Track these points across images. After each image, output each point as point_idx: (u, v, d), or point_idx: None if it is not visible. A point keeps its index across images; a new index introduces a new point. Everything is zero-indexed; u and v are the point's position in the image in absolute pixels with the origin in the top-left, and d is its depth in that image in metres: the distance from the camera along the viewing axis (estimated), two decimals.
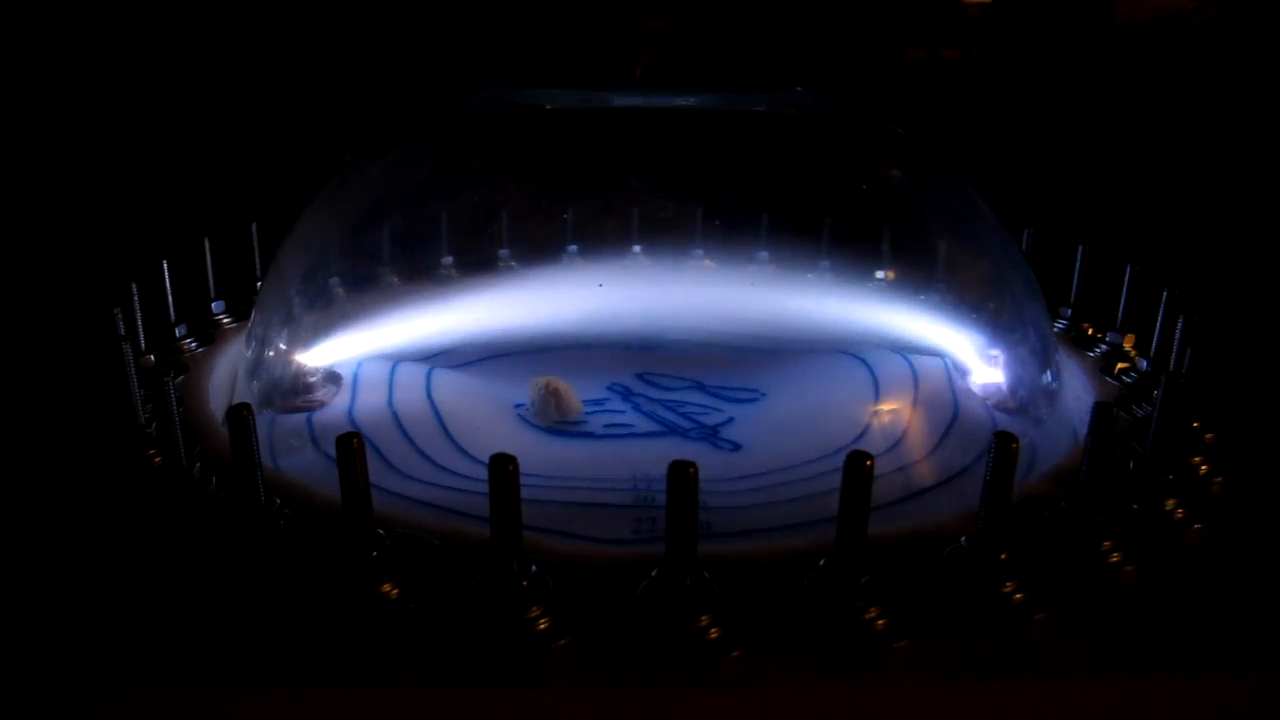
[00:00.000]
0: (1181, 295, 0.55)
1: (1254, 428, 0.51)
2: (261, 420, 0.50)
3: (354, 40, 1.39)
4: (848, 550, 0.33)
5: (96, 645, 0.33)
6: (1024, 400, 0.53)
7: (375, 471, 0.36)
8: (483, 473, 0.31)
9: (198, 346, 0.57)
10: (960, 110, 1.41)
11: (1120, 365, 0.56)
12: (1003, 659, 0.33)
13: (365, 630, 0.33)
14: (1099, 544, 0.38)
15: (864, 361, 0.57)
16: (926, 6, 1.47)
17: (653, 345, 0.63)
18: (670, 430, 0.54)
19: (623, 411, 0.56)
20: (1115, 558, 0.38)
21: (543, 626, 0.33)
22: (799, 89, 0.63)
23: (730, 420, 0.55)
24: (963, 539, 0.36)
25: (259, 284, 0.63)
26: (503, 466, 0.31)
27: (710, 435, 0.53)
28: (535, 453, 0.51)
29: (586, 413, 0.55)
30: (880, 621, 0.33)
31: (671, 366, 0.61)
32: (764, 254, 0.66)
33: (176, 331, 0.58)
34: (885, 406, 0.54)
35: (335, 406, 0.53)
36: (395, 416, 0.52)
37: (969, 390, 0.55)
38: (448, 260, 0.67)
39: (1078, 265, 0.63)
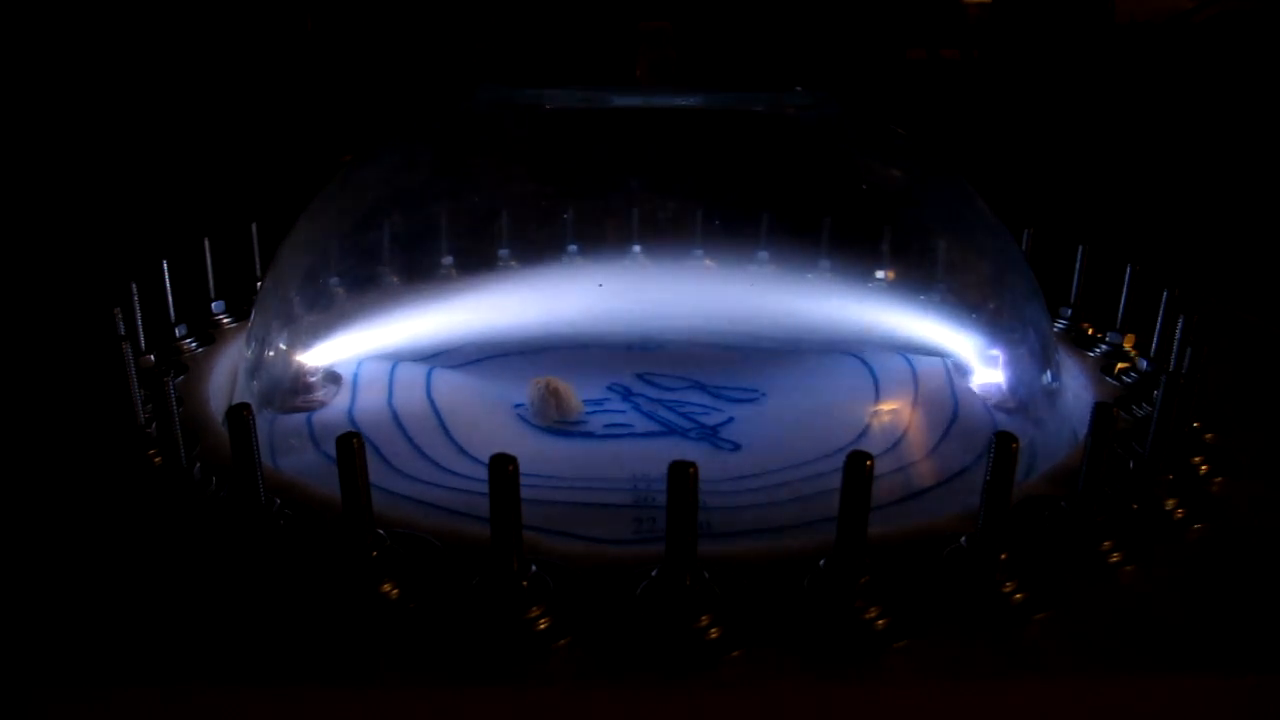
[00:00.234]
0: (1181, 295, 0.55)
1: (1254, 428, 0.51)
2: (261, 420, 0.50)
3: (354, 40, 1.39)
4: (848, 550, 0.33)
5: (96, 645, 0.33)
6: (1024, 400, 0.53)
7: (375, 471, 0.36)
8: (483, 473, 0.31)
9: (198, 346, 0.57)
10: (960, 110, 1.41)
11: (1120, 365, 0.56)
12: (1003, 659, 0.33)
13: (365, 630, 0.33)
14: (1099, 544, 0.38)
15: (864, 361, 0.57)
16: (926, 6, 1.47)
17: (653, 345, 0.63)
18: (670, 430, 0.54)
19: (623, 411, 0.56)
20: (1115, 558, 0.38)
21: (543, 626, 0.33)
22: (799, 89, 0.63)
23: (730, 420, 0.55)
24: (963, 539, 0.36)
25: (259, 284, 0.63)
26: (503, 466, 0.31)
27: (710, 435, 0.53)
28: (535, 453, 0.51)
29: (586, 413, 0.55)
30: (880, 621, 0.33)
31: (671, 366, 0.61)
32: (764, 254, 0.66)
33: (176, 331, 0.58)
34: (885, 406, 0.54)
35: (335, 406, 0.53)
36: (395, 416, 0.52)
37: (969, 390, 0.55)
38: (448, 260, 0.67)
39: (1078, 265, 0.63)
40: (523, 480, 0.31)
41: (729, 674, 0.31)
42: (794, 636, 0.33)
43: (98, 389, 0.49)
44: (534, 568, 0.34)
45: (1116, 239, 0.77)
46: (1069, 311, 0.63)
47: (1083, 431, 0.42)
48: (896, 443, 0.51)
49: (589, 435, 0.54)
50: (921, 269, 0.61)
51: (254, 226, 0.66)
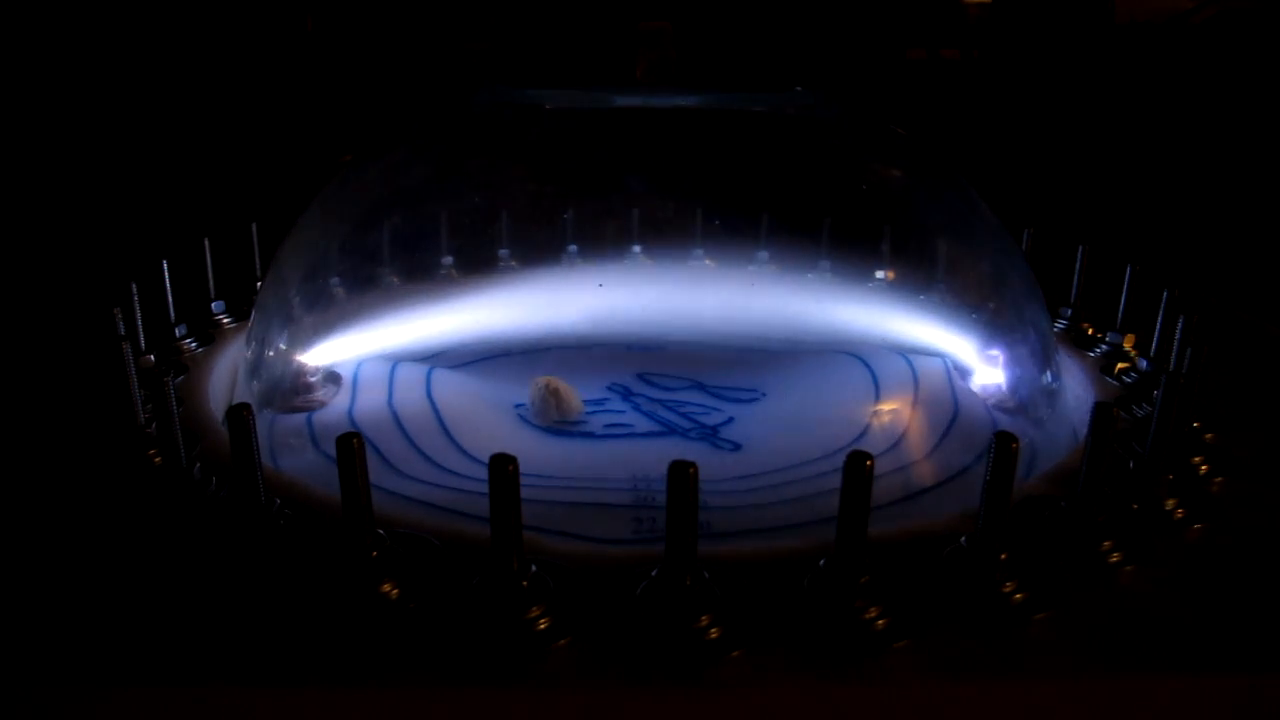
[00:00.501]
0: (1181, 295, 0.55)
1: (1254, 428, 0.51)
2: (261, 420, 0.50)
3: (354, 40, 1.39)
4: (848, 550, 0.33)
5: (96, 645, 0.33)
6: (1024, 400, 0.53)
7: (375, 471, 0.36)
8: (483, 473, 0.31)
9: (198, 346, 0.57)
10: (960, 110, 1.41)
11: (1120, 365, 0.56)
12: (1003, 659, 0.33)
13: (365, 630, 0.33)
14: (1099, 544, 0.38)
15: (864, 361, 0.57)
16: (926, 6, 1.47)
17: (653, 345, 0.63)
18: (670, 430, 0.54)
19: (623, 411, 0.56)
20: (1115, 558, 0.38)
21: (543, 626, 0.33)
22: (799, 89, 0.63)
23: (730, 420, 0.55)
24: (963, 539, 0.36)
25: (259, 284, 0.63)
26: (503, 466, 0.31)
27: (710, 435, 0.53)
28: (535, 453, 0.51)
29: (586, 413, 0.55)
30: (880, 621, 0.33)
31: (671, 366, 0.61)
32: (764, 254, 0.66)
33: (176, 331, 0.58)
34: (885, 406, 0.54)
35: (335, 406, 0.53)
36: (395, 416, 0.52)
37: (969, 390, 0.55)
38: (448, 260, 0.67)
39: (1078, 265, 0.63)
40: (523, 480, 0.31)
41: (729, 674, 0.31)
42: (794, 636, 0.33)
43: (98, 389, 0.49)
44: (534, 568, 0.34)
45: (1116, 239, 0.77)
46: (1069, 311, 0.63)
47: (1083, 431, 0.42)
48: (896, 443, 0.51)
49: (589, 435, 0.54)
50: (921, 269, 0.61)
51: (254, 226, 0.66)
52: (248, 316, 0.58)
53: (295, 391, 0.53)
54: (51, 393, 0.53)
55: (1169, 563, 0.38)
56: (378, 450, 0.48)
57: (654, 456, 0.48)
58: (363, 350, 0.57)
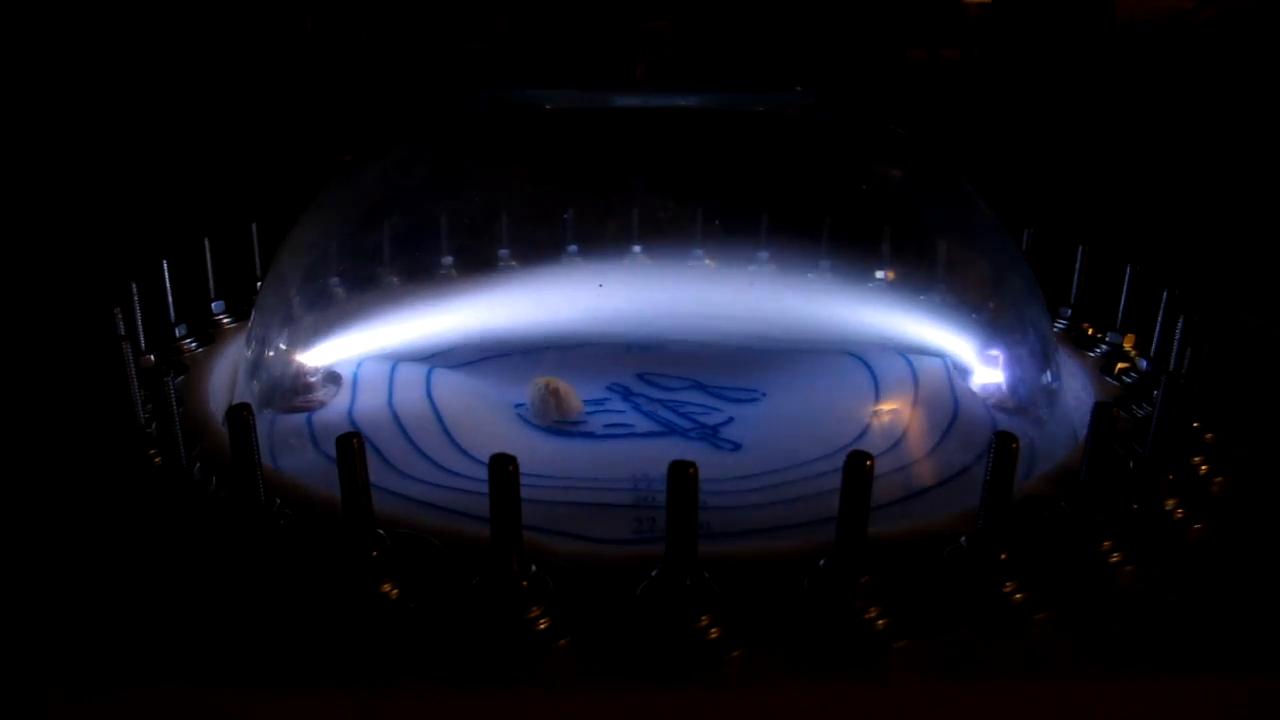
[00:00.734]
0: (1181, 295, 0.55)
1: (1254, 428, 0.51)
2: (261, 420, 0.50)
3: (354, 40, 1.39)
4: (848, 550, 0.33)
5: (96, 645, 0.33)
6: (1024, 400, 0.53)
7: (375, 471, 0.36)
8: (483, 473, 0.31)
9: (198, 346, 0.57)
10: (960, 110, 1.41)
11: (1120, 365, 0.56)
12: (1003, 659, 0.33)
13: (365, 630, 0.33)
14: (1099, 544, 0.38)
15: (864, 361, 0.57)
16: (926, 6, 1.47)
17: (653, 345, 0.63)
18: (670, 430, 0.54)
19: (623, 411, 0.56)
20: (1115, 558, 0.38)
21: (543, 626, 0.33)
22: (799, 89, 0.63)
23: (730, 420, 0.55)
24: (963, 539, 0.36)
25: (259, 284, 0.63)
26: (503, 466, 0.31)
27: (710, 435, 0.53)
28: (535, 453, 0.51)
29: (586, 413, 0.55)
30: (880, 621, 0.33)
31: (671, 366, 0.61)
32: (764, 254, 0.66)
33: (176, 331, 0.58)
34: (885, 406, 0.54)
35: (335, 406, 0.53)
36: (395, 416, 0.52)
37: (969, 390, 0.55)
38: (448, 260, 0.67)
39: (1078, 265, 0.63)
40: (523, 480, 0.31)
41: (729, 674, 0.31)
42: (794, 636, 0.33)
43: (98, 389, 0.49)
44: (534, 568, 0.34)
45: (1116, 239, 0.77)
46: (1069, 311, 0.63)
47: (1083, 431, 0.42)
48: (896, 443, 0.51)
49: (589, 435, 0.54)
50: (921, 269, 0.61)
51: (254, 226, 0.66)
52: (248, 316, 0.58)
53: (295, 391, 0.53)
54: (51, 393, 0.53)
55: (1169, 563, 0.38)
56: (378, 450, 0.48)
57: (654, 456, 0.48)
58: (363, 350, 0.57)
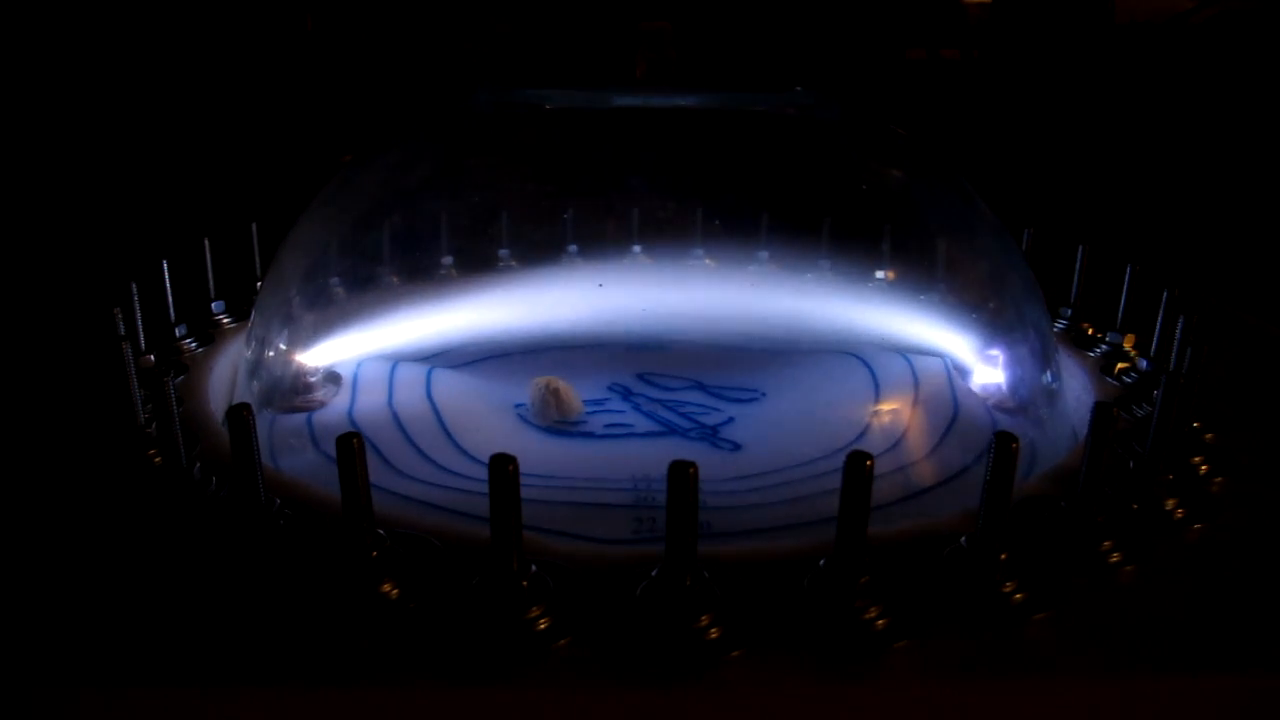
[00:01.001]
0: (1181, 295, 0.55)
1: (1254, 428, 0.51)
2: (261, 420, 0.50)
3: (354, 40, 1.39)
4: (848, 550, 0.33)
5: (95, 645, 0.33)
6: (1024, 400, 0.53)
7: (375, 471, 0.36)
8: (483, 473, 0.31)
9: (198, 346, 0.57)
10: (960, 110, 1.41)
11: (1120, 365, 0.56)
12: (1003, 659, 0.33)
13: (365, 630, 0.33)
14: (1099, 544, 0.38)
15: (864, 361, 0.57)
16: (926, 6, 1.47)
17: (653, 345, 0.63)
18: (670, 430, 0.54)
19: (623, 411, 0.56)
20: (1115, 558, 0.38)
21: (543, 626, 0.33)
22: (799, 89, 0.63)
23: (730, 420, 0.55)
24: (963, 539, 0.36)
25: (259, 284, 0.63)
26: (503, 466, 0.31)
27: (710, 435, 0.53)
28: (535, 453, 0.51)
29: (586, 413, 0.55)
30: (880, 621, 0.33)
31: (671, 366, 0.61)
32: (764, 254, 0.66)
33: (176, 331, 0.58)
34: (885, 406, 0.54)
35: (335, 406, 0.53)
36: (395, 416, 0.52)
37: (969, 390, 0.55)
38: (448, 260, 0.67)
39: (1078, 265, 0.63)
40: (523, 480, 0.31)
41: (729, 674, 0.31)
42: (794, 636, 0.33)
43: (98, 389, 0.49)
44: (534, 568, 0.34)
45: (1116, 239, 0.77)
46: (1069, 311, 0.63)
47: (1083, 431, 0.42)
48: (896, 443, 0.51)
49: (589, 435, 0.54)
50: (921, 269, 0.61)
51: (254, 226, 0.66)
52: (248, 316, 0.58)
53: (295, 391, 0.53)
54: (51, 393, 0.53)
55: (1169, 563, 0.38)
56: (378, 450, 0.48)
57: (654, 456, 0.48)
58: (363, 350, 0.57)
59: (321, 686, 0.31)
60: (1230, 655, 0.33)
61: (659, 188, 0.66)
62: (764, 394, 0.58)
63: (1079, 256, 0.62)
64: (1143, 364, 0.56)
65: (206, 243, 0.61)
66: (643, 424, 0.55)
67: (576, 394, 0.55)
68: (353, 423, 0.51)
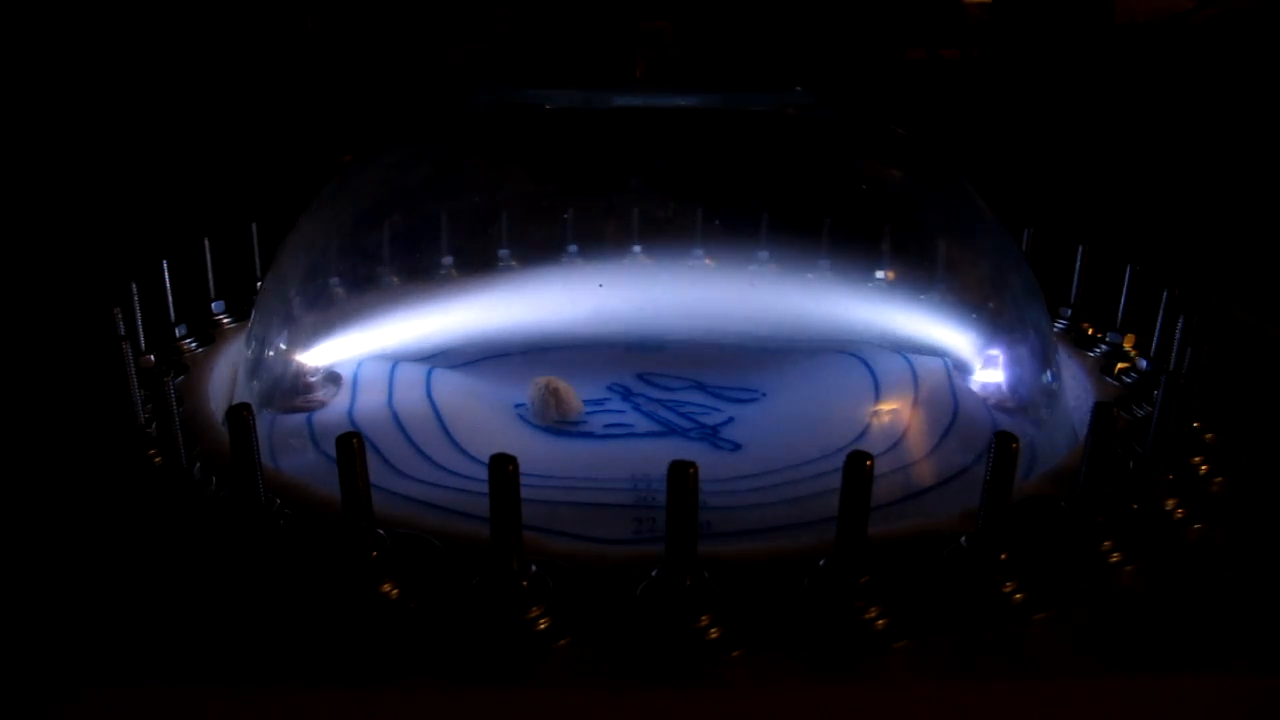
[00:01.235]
0: (1181, 295, 0.55)
1: (1254, 428, 0.51)
2: (261, 420, 0.50)
3: (354, 40, 1.39)
4: (848, 550, 0.33)
5: (96, 645, 0.33)
6: (1024, 400, 0.53)
7: (375, 471, 0.36)
8: (483, 473, 0.31)
9: (198, 346, 0.57)
10: (960, 110, 1.41)
11: (1120, 365, 0.56)
12: (1003, 659, 0.33)
13: (365, 630, 0.33)
14: (1099, 544, 0.38)
15: (864, 361, 0.57)
16: (926, 6, 1.47)
17: (653, 345, 0.63)
18: (670, 430, 0.54)
19: (623, 411, 0.56)
20: (1115, 558, 0.38)
21: (543, 626, 0.33)
22: (799, 89, 0.63)
23: (730, 420, 0.55)
24: (963, 539, 0.36)
25: (259, 284, 0.63)
26: (503, 466, 0.31)
27: (710, 435, 0.53)
28: (535, 453, 0.51)
29: (586, 413, 0.55)
30: (880, 621, 0.33)
31: (671, 366, 0.61)
32: (764, 254, 0.66)
33: (176, 331, 0.58)
34: (885, 406, 0.54)
35: (335, 406, 0.53)
36: (395, 416, 0.52)
37: (969, 390, 0.55)
38: (448, 260, 0.67)
39: (1078, 265, 0.63)
40: (523, 480, 0.31)
41: (729, 674, 0.31)
42: (794, 636, 0.33)
43: (98, 389, 0.49)
44: (534, 568, 0.34)
45: (1116, 239, 0.77)
46: (1069, 311, 0.63)
47: (1083, 431, 0.42)
48: (896, 443, 0.51)
49: (589, 435, 0.54)
50: (921, 269, 0.61)
51: (254, 226, 0.66)
52: (248, 316, 0.58)
53: (295, 391, 0.53)
54: (51, 393, 0.53)
55: (1169, 563, 0.38)
56: (378, 450, 0.48)
57: (654, 456, 0.48)
58: (363, 350, 0.57)
59: (321, 686, 0.31)
60: (1230, 655, 0.33)
61: (659, 188, 0.66)
62: (764, 394, 0.58)
63: (1079, 256, 0.62)
64: (1143, 364, 0.56)
65: (206, 243, 0.61)
66: (643, 424, 0.55)
67: (576, 394, 0.55)
68: (353, 423, 0.51)
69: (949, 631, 0.33)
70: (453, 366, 0.59)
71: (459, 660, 0.32)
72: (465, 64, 1.37)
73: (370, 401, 0.53)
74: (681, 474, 0.30)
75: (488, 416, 0.54)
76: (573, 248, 0.68)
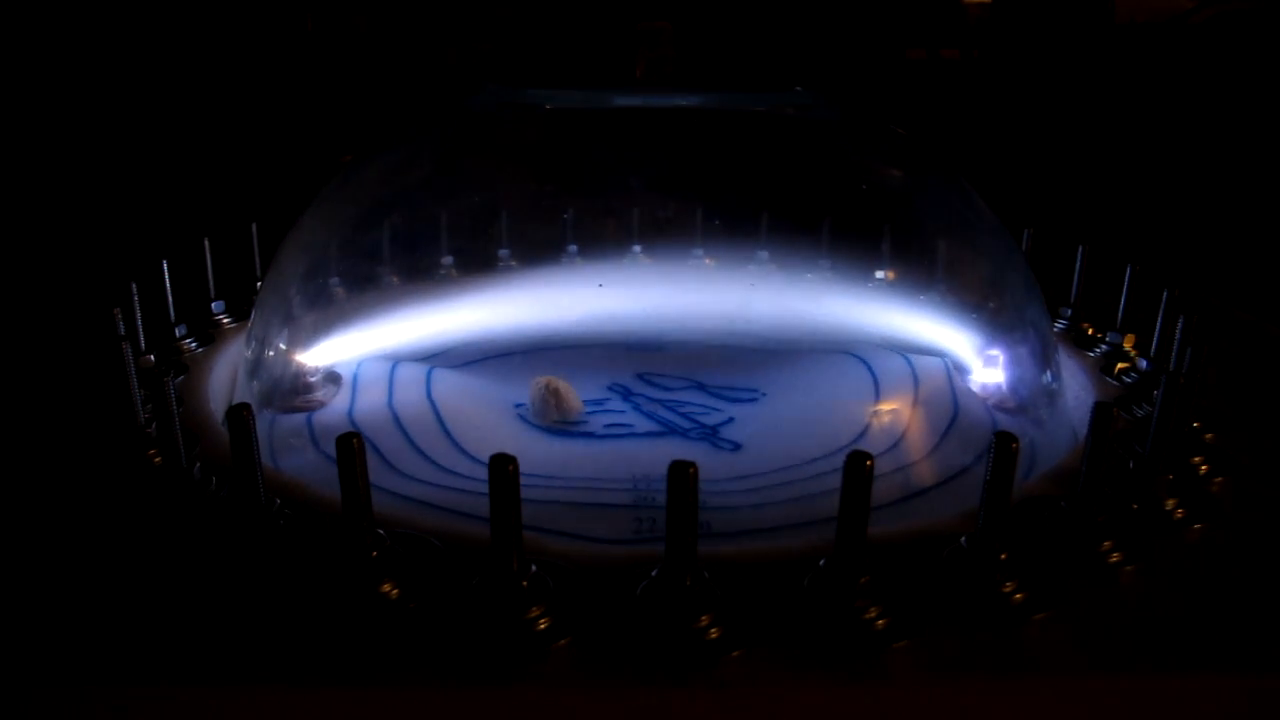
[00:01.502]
0: (1181, 295, 0.55)
1: (1254, 428, 0.51)
2: (261, 420, 0.50)
3: (354, 40, 1.39)
4: (848, 550, 0.33)
5: (96, 645, 0.33)
6: (1024, 400, 0.53)
7: (375, 471, 0.36)
8: (483, 473, 0.31)
9: (198, 346, 0.57)
10: (960, 110, 1.41)
11: (1120, 365, 0.56)
12: (1003, 659, 0.33)
13: (365, 630, 0.33)
14: (1099, 544, 0.38)
15: (864, 361, 0.57)
16: (926, 6, 1.47)
17: (652, 345, 0.63)
18: (670, 430, 0.54)
19: (623, 411, 0.56)
20: (1115, 558, 0.38)
21: (543, 626, 0.33)
22: (799, 89, 0.63)
23: (730, 420, 0.55)
24: (963, 539, 0.36)
25: (259, 284, 0.63)
26: (503, 466, 0.31)
27: (710, 435, 0.53)
28: (535, 453, 0.51)
29: (586, 413, 0.55)
30: (880, 621, 0.33)
31: (671, 366, 0.61)
32: (764, 254, 0.66)
33: (176, 331, 0.58)
34: (885, 406, 0.54)
35: (335, 406, 0.53)
36: (395, 416, 0.52)
37: (969, 390, 0.55)
38: (448, 260, 0.67)
39: (1078, 265, 0.63)
40: (523, 480, 0.31)
41: (729, 674, 0.31)
42: (794, 636, 0.33)
43: (98, 389, 0.49)
44: (534, 568, 0.34)
45: (1116, 239, 0.77)
46: (1069, 311, 0.63)
47: (1083, 431, 0.42)
48: (896, 443, 0.51)
49: (589, 435, 0.54)
50: (921, 269, 0.61)
51: (254, 226, 0.66)
52: (248, 316, 0.58)
53: (295, 391, 0.53)
54: (51, 393, 0.53)
55: (1169, 563, 0.38)
56: (378, 450, 0.48)
57: (654, 456, 0.48)
58: (363, 350, 0.57)
59: (321, 686, 0.31)
60: (1230, 655, 0.33)
61: (659, 188, 0.66)
62: (764, 394, 0.58)
63: (1079, 256, 0.63)
64: (1143, 364, 0.56)
65: (206, 243, 0.61)
66: (643, 424, 0.55)
67: (576, 394, 0.55)
68: (353, 423, 0.51)
69: (949, 631, 0.33)
70: (453, 366, 0.59)
71: (459, 660, 0.32)
72: (465, 64, 1.37)
73: (370, 401, 0.53)
74: (681, 474, 0.30)
75: (488, 416, 0.54)
76: (573, 248, 0.68)
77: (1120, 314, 0.58)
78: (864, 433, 0.52)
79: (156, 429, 0.43)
